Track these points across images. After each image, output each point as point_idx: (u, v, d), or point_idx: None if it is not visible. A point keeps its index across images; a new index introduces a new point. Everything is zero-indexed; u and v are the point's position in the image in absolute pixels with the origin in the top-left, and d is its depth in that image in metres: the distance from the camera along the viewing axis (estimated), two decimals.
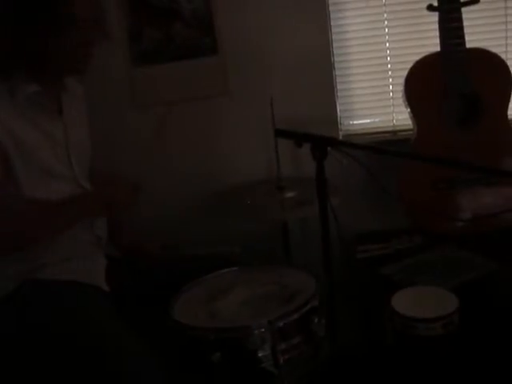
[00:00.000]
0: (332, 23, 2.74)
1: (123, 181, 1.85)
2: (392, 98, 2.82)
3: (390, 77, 2.81)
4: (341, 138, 2.84)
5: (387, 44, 2.77)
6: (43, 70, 1.71)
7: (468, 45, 2.39)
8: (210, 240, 2.57)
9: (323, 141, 1.55)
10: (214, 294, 1.78)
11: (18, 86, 1.66)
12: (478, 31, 2.60)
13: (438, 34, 2.41)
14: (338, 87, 2.83)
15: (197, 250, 2.16)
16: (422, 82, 2.47)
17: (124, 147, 2.81)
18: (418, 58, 2.47)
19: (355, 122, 2.89)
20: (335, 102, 2.81)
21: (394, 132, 2.85)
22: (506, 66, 2.44)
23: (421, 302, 1.84)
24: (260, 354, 1.57)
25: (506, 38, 2.68)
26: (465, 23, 2.37)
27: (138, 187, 1.85)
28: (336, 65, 2.80)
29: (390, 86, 2.82)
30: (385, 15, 2.74)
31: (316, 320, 1.66)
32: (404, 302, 1.82)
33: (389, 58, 2.79)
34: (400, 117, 2.80)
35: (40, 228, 1.70)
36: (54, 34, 1.63)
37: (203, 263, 1.98)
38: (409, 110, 2.52)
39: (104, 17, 1.77)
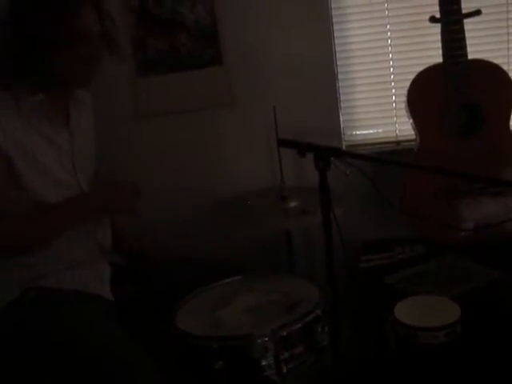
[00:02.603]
0: (335, 34, 2.76)
1: (123, 184, 1.87)
2: (395, 108, 2.83)
3: (393, 88, 2.82)
4: (344, 148, 2.85)
5: (390, 55, 2.79)
6: (48, 81, 1.73)
7: (470, 56, 2.40)
8: (212, 249, 2.59)
9: (326, 151, 1.56)
10: (217, 303, 1.78)
11: (22, 95, 1.68)
12: (480, 42, 2.61)
13: (440, 45, 2.43)
14: (341, 98, 2.84)
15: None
16: (425, 92, 2.48)
17: (127, 156, 2.83)
18: (420, 69, 2.48)
19: (358, 133, 2.90)
20: (338, 113, 2.82)
21: (397, 142, 2.86)
22: (508, 77, 2.45)
23: (423, 311, 1.84)
24: (263, 363, 1.57)
25: (508, 49, 2.69)
26: (467, 34, 2.38)
27: (137, 191, 1.87)
28: (339, 76, 2.81)
29: (393, 97, 2.83)
30: (388, 27, 2.75)
31: (319, 329, 1.67)
32: (407, 311, 1.83)
33: (392, 69, 2.80)
34: (403, 127, 2.81)
35: (39, 229, 1.72)
36: (59, 47, 1.65)
37: (207, 272, 1.99)
38: (411, 120, 2.53)
39: (114, 32, 1.79)
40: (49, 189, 1.74)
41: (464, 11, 2.39)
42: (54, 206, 1.75)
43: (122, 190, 1.85)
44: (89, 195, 1.87)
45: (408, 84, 2.50)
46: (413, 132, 2.59)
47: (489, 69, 2.46)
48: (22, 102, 1.68)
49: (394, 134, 2.87)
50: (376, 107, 2.86)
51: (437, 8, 2.40)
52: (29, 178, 1.69)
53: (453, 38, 2.38)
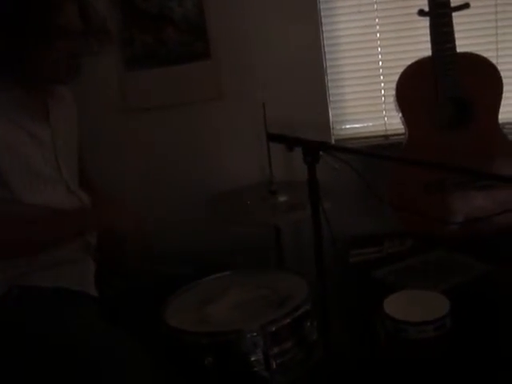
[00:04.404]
0: (324, 28, 2.75)
1: (125, 206, 1.84)
2: (384, 102, 2.83)
3: (382, 81, 2.82)
4: (333, 142, 2.84)
5: (379, 49, 2.79)
6: (29, 77, 1.71)
7: (459, 49, 2.40)
8: (201, 244, 2.58)
9: (315, 145, 1.56)
10: (206, 298, 1.77)
11: (2, 90, 1.66)
12: (468, 36, 2.61)
13: (429, 38, 2.43)
14: (331, 92, 2.83)
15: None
16: (414, 86, 2.48)
17: (115, 151, 2.81)
18: (409, 62, 2.48)
19: (347, 127, 2.90)
20: (327, 107, 2.82)
21: (386, 136, 2.86)
22: (497, 71, 2.46)
23: (413, 306, 1.84)
24: (252, 359, 1.57)
25: (497, 42, 2.69)
26: (455, 28, 2.39)
27: (139, 217, 1.84)
28: (328, 69, 2.81)
29: (382, 91, 2.83)
30: (376, 20, 2.75)
31: (308, 324, 1.66)
32: (396, 306, 1.82)
33: (380, 63, 2.80)
34: (392, 121, 2.81)
35: (40, 237, 1.70)
36: (40, 43, 1.63)
37: (195, 267, 1.98)
38: (400, 114, 2.53)
39: (101, 24, 1.77)
40: (32, 185, 1.71)
41: (452, 4, 2.39)
42: (57, 213, 1.73)
43: (123, 209, 1.83)
44: (93, 209, 1.86)
45: (397, 77, 2.49)
46: (402, 126, 2.59)
47: (477, 62, 2.46)
48: (2, 96, 1.66)
49: (383, 128, 2.87)
50: (365, 101, 2.86)
51: (425, 1, 2.40)
52: (11, 174, 1.66)
53: (441, 32, 2.38)
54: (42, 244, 1.70)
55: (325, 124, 2.82)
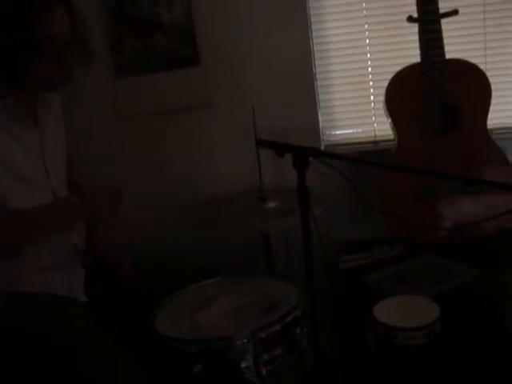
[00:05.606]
0: (314, 34, 2.76)
1: (105, 191, 1.84)
2: (373, 108, 2.84)
3: (372, 87, 2.82)
4: (323, 148, 2.85)
5: (368, 55, 2.79)
6: (17, 84, 1.70)
7: (447, 56, 2.41)
8: (191, 250, 2.57)
9: (304, 151, 1.56)
10: (196, 305, 1.77)
11: None
12: (457, 42, 2.62)
13: (418, 45, 2.43)
14: (320, 98, 2.84)
15: None
16: (403, 92, 2.48)
17: (106, 158, 2.80)
18: (398, 68, 2.49)
19: (337, 133, 2.90)
20: (317, 113, 2.82)
21: (376, 142, 2.86)
22: (485, 77, 2.46)
23: (402, 311, 1.84)
24: (242, 365, 1.56)
25: (485, 48, 2.71)
26: (444, 34, 2.39)
27: (119, 193, 1.84)
28: (318, 76, 2.81)
29: (372, 97, 2.83)
30: (366, 26, 2.76)
31: (298, 330, 1.66)
32: (386, 311, 1.82)
33: (370, 69, 2.81)
34: (381, 127, 2.82)
35: (21, 233, 1.68)
36: (30, 51, 1.62)
37: (185, 273, 1.98)
38: (390, 120, 2.53)
39: (87, 39, 1.77)
40: (19, 189, 1.70)
41: (441, 11, 2.39)
42: (40, 210, 1.72)
43: (104, 196, 1.83)
44: (76, 202, 1.85)
45: (386, 83, 2.50)
46: (391, 131, 2.60)
47: (466, 68, 2.47)
48: None
49: (373, 134, 2.87)
50: (354, 107, 2.87)
51: (414, 8, 2.40)
52: None
53: (430, 38, 2.39)
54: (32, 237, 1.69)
55: (314, 130, 2.82)
